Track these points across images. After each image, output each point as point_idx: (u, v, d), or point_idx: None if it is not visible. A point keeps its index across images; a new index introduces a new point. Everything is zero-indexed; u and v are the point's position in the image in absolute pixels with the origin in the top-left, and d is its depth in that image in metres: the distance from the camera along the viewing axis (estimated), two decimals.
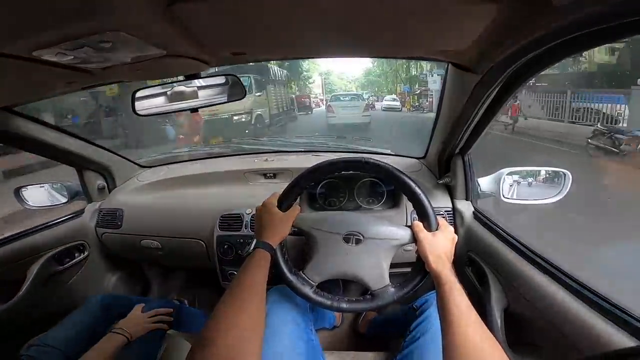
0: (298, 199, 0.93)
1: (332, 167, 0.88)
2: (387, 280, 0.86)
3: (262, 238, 0.83)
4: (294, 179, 0.90)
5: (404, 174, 0.86)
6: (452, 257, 0.81)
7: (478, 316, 0.66)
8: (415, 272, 0.86)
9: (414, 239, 0.84)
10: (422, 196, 0.85)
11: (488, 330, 0.63)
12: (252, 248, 0.82)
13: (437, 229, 0.84)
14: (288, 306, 0.98)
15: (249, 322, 0.63)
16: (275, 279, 0.87)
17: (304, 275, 0.88)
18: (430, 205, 0.85)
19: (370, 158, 0.88)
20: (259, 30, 0.60)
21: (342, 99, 12.53)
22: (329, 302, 0.88)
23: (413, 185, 0.85)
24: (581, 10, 0.45)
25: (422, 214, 0.85)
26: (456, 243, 0.85)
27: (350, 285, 0.89)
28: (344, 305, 0.88)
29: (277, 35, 0.64)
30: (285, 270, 0.88)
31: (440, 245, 0.80)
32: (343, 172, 0.91)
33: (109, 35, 0.51)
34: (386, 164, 0.87)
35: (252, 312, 0.66)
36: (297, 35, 0.64)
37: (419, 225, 0.84)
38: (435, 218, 0.85)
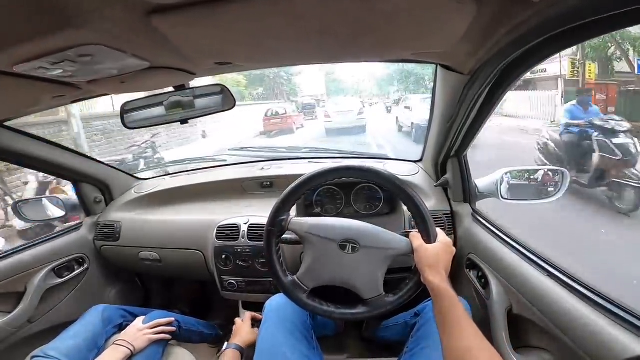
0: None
1: (335, 173, 0.88)
2: (381, 290, 0.85)
3: (235, 342, 0.88)
4: (282, 194, 0.89)
5: (401, 181, 0.86)
6: (449, 270, 0.80)
7: (477, 328, 0.65)
8: (411, 282, 0.85)
9: (412, 249, 0.82)
10: (423, 206, 0.83)
11: (488, 342, 0.63)
12: (224, 348, 0.86)
13: (435, 241, 0.82)
14: (286, 315, 0.98)
15: None
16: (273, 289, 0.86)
17: (297, 280, 0.87)
18: (430, 216, 0.83)
19: (373, 166, 0.87)
20: (239, 39, 0.60)
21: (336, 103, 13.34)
22: (319, 308, 0.87)
23: (413, 194, 0.84)
24: (561, 5, 0.45)
25: (422, 225, 0.84)
26: (455, 245, 0.83)
27: (350, 293, 0.88)
28: (335, 312, 0.87)
29: (258, 44, 0.64)
30: (280, 273, 0.87)
31: (438, 257, 0.79)
32: (340, 179, 0.91)
33: (89, 49, 0.51)
34: (386, 171, 0.86)
35: None
36: (278, 43, 0.64)
37: (417, 236, 0.83)
38: (435, 230, 0.83)
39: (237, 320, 1.30)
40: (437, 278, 0.75)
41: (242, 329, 1.25)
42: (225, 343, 0.89)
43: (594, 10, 0.43)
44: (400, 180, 0.85)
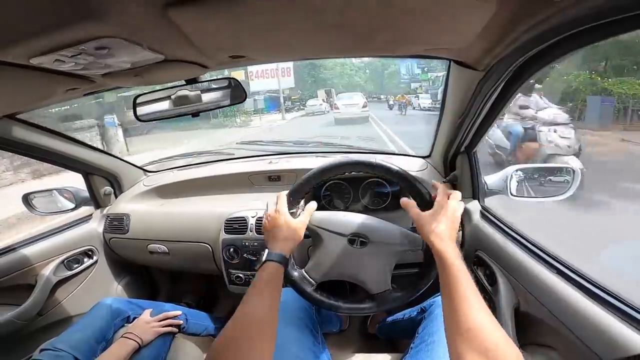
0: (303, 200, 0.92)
1: (342, 166, 0.87)
2: (388, 285, 0.86)
3: (276, 248, 0.78)
4: (305, 175, 0.87)
5: (384, 161, 0.86)
6: (456, 236, 0.76)
7: (483, 301, 0.63)
8: (419, 278, 0.85)
9: (421, 245, 0.82)
10: (406, 174, 0.82)
11: (493, 316, 0.60)
12: (263, 259, 0.76)
13: (432, 207, 0.79)
14: (293, 308, 0.98)
15: (259, 336, 0.63)
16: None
17: (305, 274, 0.88)
18: (418, 181, 0.82)
19: (377, 158, 0.87)
20: (255, 33, 0.59)
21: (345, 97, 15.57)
22: (326, 302, 0.88)
23: (395, 168, 0.84)
24: (582, 5, 0.44)
25: (413, 192, 0.82)
26: (463, 243, 0.82)
27: (357, 288, 0.88)
28: (342, 306, 0.87)
29: (274, 37, 0.63)
30: (288, 266, 0.87)
31: (437, 220, 0.75)
32: (343, 174, 0.90)
33: (106, 42, 0.51)
34: (383, 160, 0.86)
35: (266, 332, 0.66)
36: (294, 36, 0.64)
37: (409, 202, 0.80)
38: (427, 193, 0.81)
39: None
40: (442, 244, 0.71)
41: None
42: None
43: (615, 11, 0.42)
44: (383, 160, 0.85)
